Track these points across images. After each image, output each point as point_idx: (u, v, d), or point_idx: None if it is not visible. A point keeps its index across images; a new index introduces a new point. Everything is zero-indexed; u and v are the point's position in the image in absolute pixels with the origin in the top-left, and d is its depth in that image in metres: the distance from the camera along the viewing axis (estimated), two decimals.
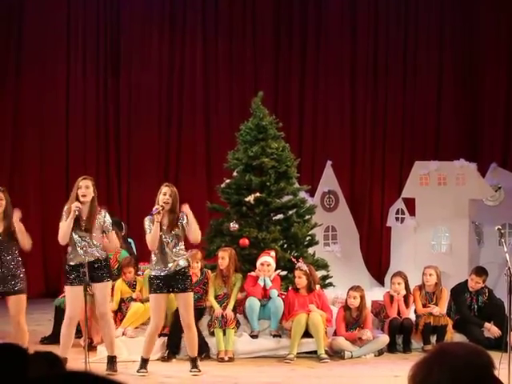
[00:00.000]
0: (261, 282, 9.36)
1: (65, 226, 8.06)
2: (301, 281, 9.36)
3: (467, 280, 9.90)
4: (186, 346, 8.48)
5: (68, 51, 14.00)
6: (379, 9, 14.58)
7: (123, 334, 9.13)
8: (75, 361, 7.75)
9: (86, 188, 8.11)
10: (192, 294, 8.43)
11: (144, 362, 8.33)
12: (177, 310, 8.63)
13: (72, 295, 8.10)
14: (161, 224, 8.19)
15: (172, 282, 8.18)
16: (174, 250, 8.22)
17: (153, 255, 8.29)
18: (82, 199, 8.09)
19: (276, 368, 8.67)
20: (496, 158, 13.86)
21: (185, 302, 8.26)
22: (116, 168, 14.25)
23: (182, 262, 8.24)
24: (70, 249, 8.18)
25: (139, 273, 9.85)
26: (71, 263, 8.10)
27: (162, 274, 8.18)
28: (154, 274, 8.24)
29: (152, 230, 8.17)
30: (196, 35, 14.38)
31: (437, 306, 9.69)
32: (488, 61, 14.42)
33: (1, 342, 3.18)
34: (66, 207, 8.16)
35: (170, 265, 8.20)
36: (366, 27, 14.57)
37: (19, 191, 13.60)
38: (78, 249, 8.08)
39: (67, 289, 8.18)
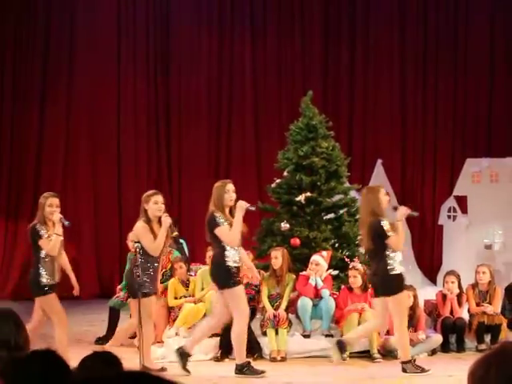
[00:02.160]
0: (312, 282, 9.36)
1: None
2: (356, 280, 9.34)
3: None
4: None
5: (119, 54, 14.19)
6: (428, 9, 14.46)
7: (176, 334, 9.20)
8: (129, 361, 7.82)
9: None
10: None
11: None
12: None
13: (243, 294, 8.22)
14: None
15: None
16: None
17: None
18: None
19: (328, 368, 8.65)
20: None
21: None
22: (167, 169, 14.39)
23: None
24: (228, 250, 8.14)
25: (191, 273, 9.91)
26: (235, 264, 8.15)
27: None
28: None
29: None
30: (245, 36, 14.45)
31: (490, 304, 9.57)
32: None
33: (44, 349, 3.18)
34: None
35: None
36: (415, 27, 14.46)
37: (72, 194, 13.84)
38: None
39: (237, 289, 8.17)
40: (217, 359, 8.97)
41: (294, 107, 11.35)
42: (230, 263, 8.08)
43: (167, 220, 8.14)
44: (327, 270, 9.53)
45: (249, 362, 8.28)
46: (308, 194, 10.04)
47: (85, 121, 14.09)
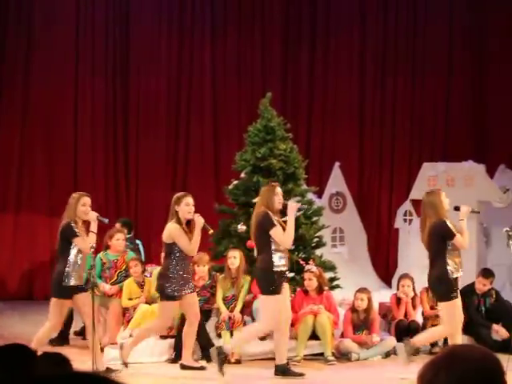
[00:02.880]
0: None
1: None
2: (311, 283, 9.36)
3: (474, 282, 9.88)
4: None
5: (77, 53, 14.04)
6: (388, 9, 14.57)
7: (130, 336, 9.13)
8: (83, 363, 7.76)
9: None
10: None
11: None
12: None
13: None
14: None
15: None
16: None
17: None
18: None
19: None
20: (504, 160, 13.83)
21: None
22: (125, 169, 14.28)
23: None
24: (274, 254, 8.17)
25: (146, 274, 9.85)
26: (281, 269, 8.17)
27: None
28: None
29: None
30: (204, 35, 14.40)
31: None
32: (497, 61, 14.38)
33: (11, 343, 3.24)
34: None
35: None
36: (374, 28, 14.56)
37: (28, 192, 13.70)
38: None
39: (277, 297, 8.18)
40: (171, 361, 8.93)
41: (253, 108, 11.36)
42: (276, 268, 8.14)
43: (201, 220, 8.25)
44: None
45: (288, 363, 8.33)
46: None
47: (41, 122, 13.87)
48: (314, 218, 10.41)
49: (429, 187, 12.46)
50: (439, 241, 8.09)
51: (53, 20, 13.89)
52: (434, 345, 9.41)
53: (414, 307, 9.75)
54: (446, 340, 9.32)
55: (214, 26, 14.45)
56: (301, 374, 8.30)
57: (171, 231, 8.28)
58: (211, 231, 8.53)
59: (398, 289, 9.92)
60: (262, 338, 9.22)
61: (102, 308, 9.58)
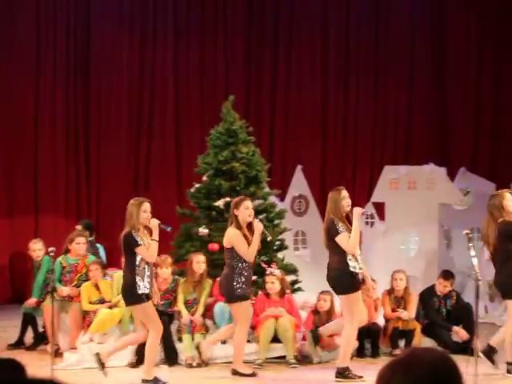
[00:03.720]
0: None
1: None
2: (274, 286, 9.33)
3: (435, 284, 9.94)
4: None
5: (38, 53, 13.91)
6: (350, 11, 14.62)
7: (90, 340, 9.04)
8: (41, 368, 7.67)
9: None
10: None
11: None
12: None
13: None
14: None
15: None
16: None
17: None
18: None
19: None
20: (465, 163, 13.98)
21: None
22: (85, 170, 14.16)
23: None
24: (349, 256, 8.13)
25: (107, 278, 9.75)
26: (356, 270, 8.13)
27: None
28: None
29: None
30: (167, 36, 14.30)
31: (405, 310, 9.71)
32: (458, 67, 14.52)
33: None
34: None
35: None
36: (337, 30, 14.61)
37: None
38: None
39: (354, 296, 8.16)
40: (132, 365, 8.86)
41: (216, 112, 11.31)
42: (352, 269, 8.12)
43: (260, 225, 8.28)
44: None
45: (348, 367, 8.27)
46: (227, 199, 10.00)
47: (0, 121, 13.74)
48: (277, 221, 10.41)
49: (391, 190, 12.55)
50: (508, 240, 8.19)
51: (13, 19, 13.73)
52: (395, 347, 9.45)
53: (376, 310, 9.78)
54: (409, 342, 9.38)
55: (176, 27, 14.34)
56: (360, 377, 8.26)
57: (230, 236, 8.31)
58: (269, 238, 8.48)
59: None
60: (223, 342, 9.19)
61: (62, 312, 9.46)
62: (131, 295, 7.93)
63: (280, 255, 10.31)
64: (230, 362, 8.67)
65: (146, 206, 7.98)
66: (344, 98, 14.66)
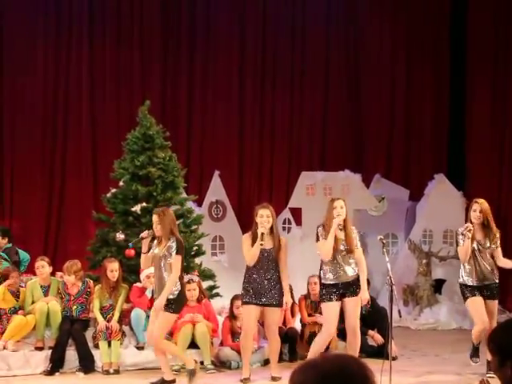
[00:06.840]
0: (148, 294, 9.25)
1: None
2: (194, 293, 9.31)
3: None
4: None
5: None
6: (267, 17, 14.68)
7: (4, 348, 8.85)
8: None
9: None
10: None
11: None
12: (63, 323, 8.54)
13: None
14: None
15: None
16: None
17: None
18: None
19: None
20: (379, 170, 14.21)
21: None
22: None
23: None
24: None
25: (22, 284, 9.57)
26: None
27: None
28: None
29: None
30: (82, 39, 14.04)
31: (321, 314, 9.78)
32: (372, 75, 14.75)
33: None
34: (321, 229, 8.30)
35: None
36: (254, 36, 14.65)
37: None
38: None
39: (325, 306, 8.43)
40: (47, 373, 8.71)
41: (132, 116, 11.23)
42: (324, 280, 8.36)
43: (260, 230, 8.33)
44: None
45: None
46: (144, 204, 9.96)
47: None
48: (194, 227, 10.41)
49: (307, 196, 12.68)
50: None
51: None
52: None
53: (293, 314, 9.85)
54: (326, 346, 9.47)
55: (91, 29, 14.06)
56: None
57: (242, 239, 8.55)
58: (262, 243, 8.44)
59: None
60: (140, 348, 9.13)
61: None
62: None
63: (197, 260, 10.30)
64: (146, 369, 8.62)
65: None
66: (261, 103, 14.69)
